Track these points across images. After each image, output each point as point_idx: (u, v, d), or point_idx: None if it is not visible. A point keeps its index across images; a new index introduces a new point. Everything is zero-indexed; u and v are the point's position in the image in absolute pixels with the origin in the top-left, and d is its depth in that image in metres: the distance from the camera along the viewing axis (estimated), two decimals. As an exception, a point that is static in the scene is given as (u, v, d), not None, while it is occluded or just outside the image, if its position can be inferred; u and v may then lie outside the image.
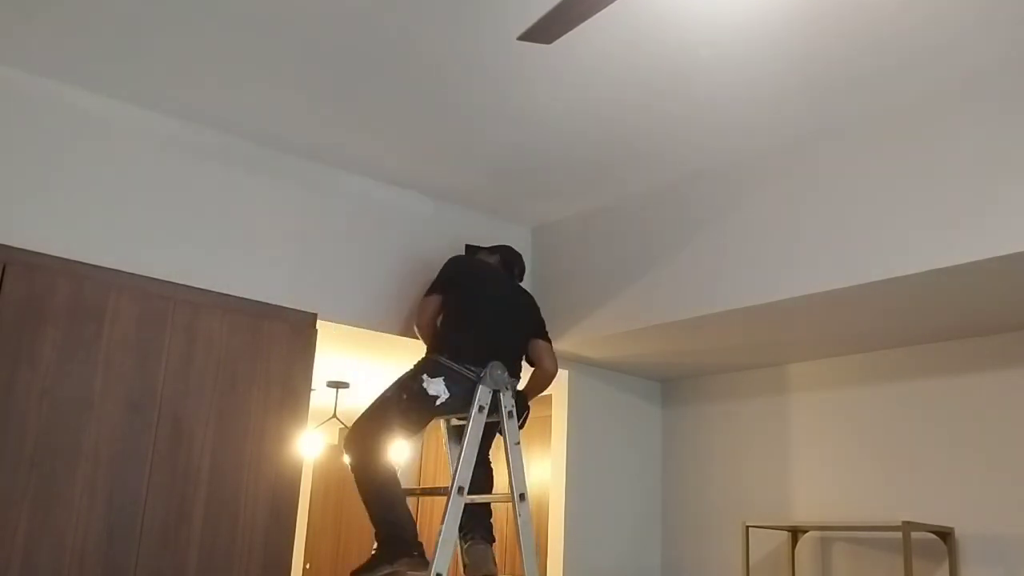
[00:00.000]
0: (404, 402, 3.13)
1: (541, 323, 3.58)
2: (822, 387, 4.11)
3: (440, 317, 3.44)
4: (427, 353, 3.28)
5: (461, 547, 3.23)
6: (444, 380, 3.10)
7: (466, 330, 3.29)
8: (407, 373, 3.22)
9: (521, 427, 3.25)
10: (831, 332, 3.69)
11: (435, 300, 3.46)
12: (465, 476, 3.03)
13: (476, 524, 3.25)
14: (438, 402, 3.09)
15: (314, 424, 5.31)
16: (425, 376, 3.11)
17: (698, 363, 4.36)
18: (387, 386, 3.22)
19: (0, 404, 2.74)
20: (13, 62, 3.02)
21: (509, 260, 3.71)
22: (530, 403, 3.38)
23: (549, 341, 3.55)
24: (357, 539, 5.93)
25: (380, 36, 2.77)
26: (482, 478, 3.30)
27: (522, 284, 3.74)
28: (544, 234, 4.33)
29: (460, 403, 3.12)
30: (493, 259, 3.69)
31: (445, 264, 3.58)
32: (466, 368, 3.12)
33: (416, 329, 3.52)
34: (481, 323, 3.31)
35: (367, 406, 3.22)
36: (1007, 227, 2.71)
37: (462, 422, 3.15)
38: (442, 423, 3.43)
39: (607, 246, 3.97)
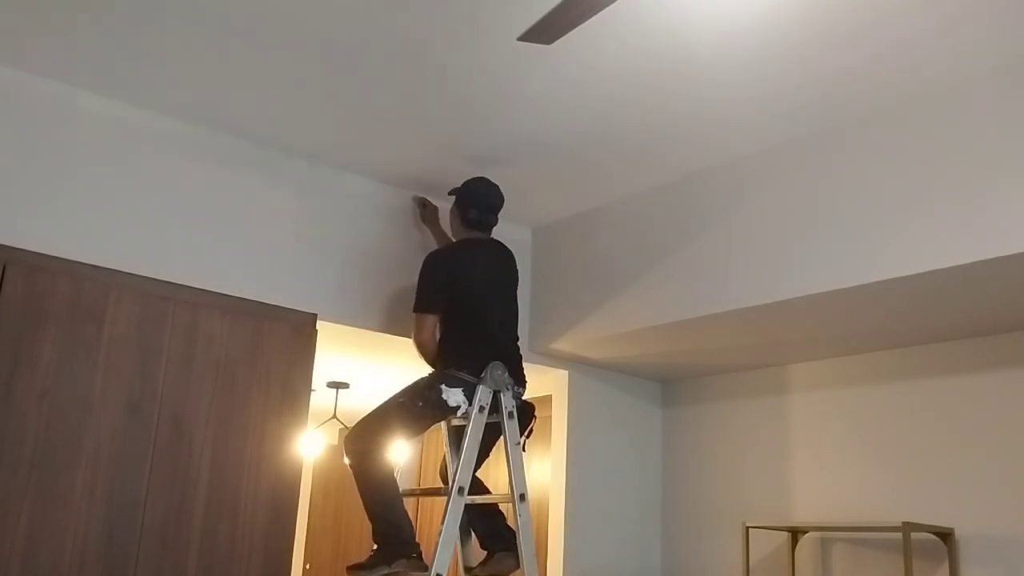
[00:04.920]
0: (419, 408, 3.15)
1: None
2: (822, 387, 4.11)
3: (440, 327, 3.35)
4: (439, 367, 3.26)
5: (488, 557, 3.26)
6: (463, 391, 3.13)
7: (474, 344, 3.25)
8: (421, 382, 3.22)
9: (527, 437, 3.25)
10: (831, 332, 3.69)
11: (433, 319, 3.32)
12: (465, 476, 3.03)
13: (500, 531, 3.28)
14: (459, 412, 3.14)
15: (314, 424, 5.30)
16: (443, 387, 3.13)
17: (699, 363, 4.36)
18: (395, 393, 3.23)
19: (0, 404, 2.74)
20: (14, 63, 3.03)
21: (495, 212, 3.52)
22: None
23: None
24: (357, 539, 5.92)
25: (380, 37, 2.78)
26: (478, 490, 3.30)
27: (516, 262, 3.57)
28: (544, 234, 4.33)
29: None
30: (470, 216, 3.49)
31: (424, 266, 3.40)
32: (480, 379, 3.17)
33: (417, 347, 3.35)
34: (486, 333, 3.30)
35: (371, 409, 3.23)
36: (1007, 227, 2.71)
37: (463, 423, 3.15)
38: (443, 424, 3.43)
39: (607, 246, 3.97)
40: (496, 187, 3.52)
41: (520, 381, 3.30)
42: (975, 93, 2.88)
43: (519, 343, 3.43)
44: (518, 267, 3.54)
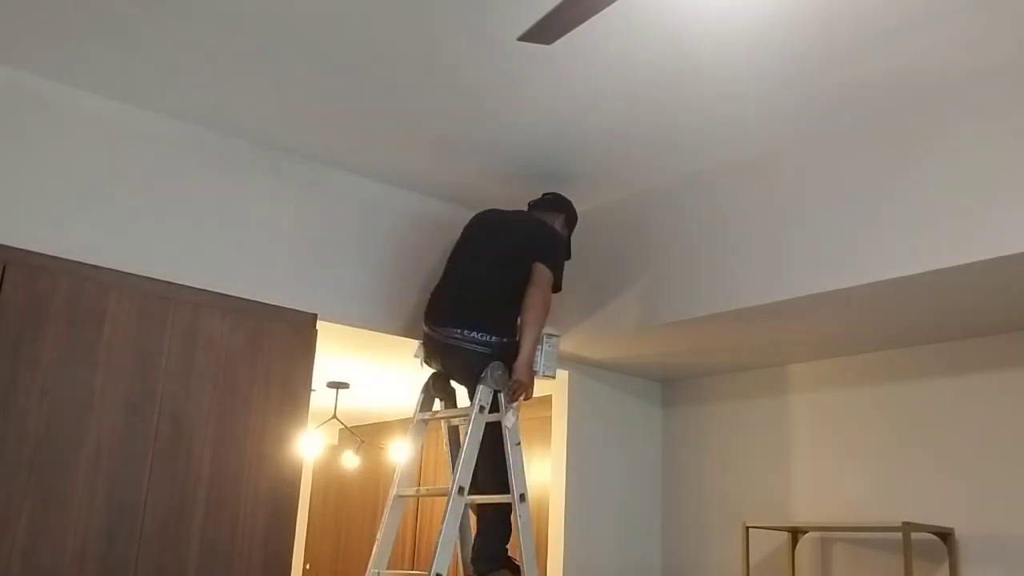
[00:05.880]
0: None
1: (543, 246, 3.37)
2: (822, 387, 4.11)
3: None
4: None
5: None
6: (421, 343, 3.43)
7: (434, 291, 3.47)
8: None
9: (511, 400, 3.15)
10: (831, 333, 3.69)
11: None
12: (465, 476, 3.03)
13: (479, 554, 3.26)
14: (420, 364, 3.45)
15: (314, 424, 5.30)
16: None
17: (698, 363, 4.36)
18: None
19: (0, 404, 2.74)
20: (13, 62, 3.03)
21: (547, 195, 3.65)
22: (522, 379, 3.16)
23: (550, 265, 3.30)
24: (357, 539, 5.93)
25: (380, 36, 2.78)
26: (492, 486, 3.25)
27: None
28: (544, 234, 4.32)
29: (433, 363, 3.42)
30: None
31: None
32: (430, 328, 3.37)
33: None
34: (448, 280, 3.45)
35: None
36: (1007, 227, 2.71)
37: (463, 423, 3.15)
38: (443, 424, 3.44)
39: (607, 246, 3.97)
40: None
41: (461, 322, 3.24)
42: (975, 93, 2.87)
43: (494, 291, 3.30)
44: (543, 234, 3.47)
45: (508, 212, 3.59)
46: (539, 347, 3.26)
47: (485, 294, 3.28)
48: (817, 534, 3.97)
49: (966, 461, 3.55)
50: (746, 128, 3.29)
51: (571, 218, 3.65)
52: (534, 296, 3.21)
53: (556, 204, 3.60)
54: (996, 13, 2.55)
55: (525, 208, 3.65)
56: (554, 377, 3.41)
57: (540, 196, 3.66)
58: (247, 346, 3.26)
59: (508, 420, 3.10)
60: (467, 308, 3.27)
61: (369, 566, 3.21)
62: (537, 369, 3.27)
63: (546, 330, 3.29)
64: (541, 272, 3.26)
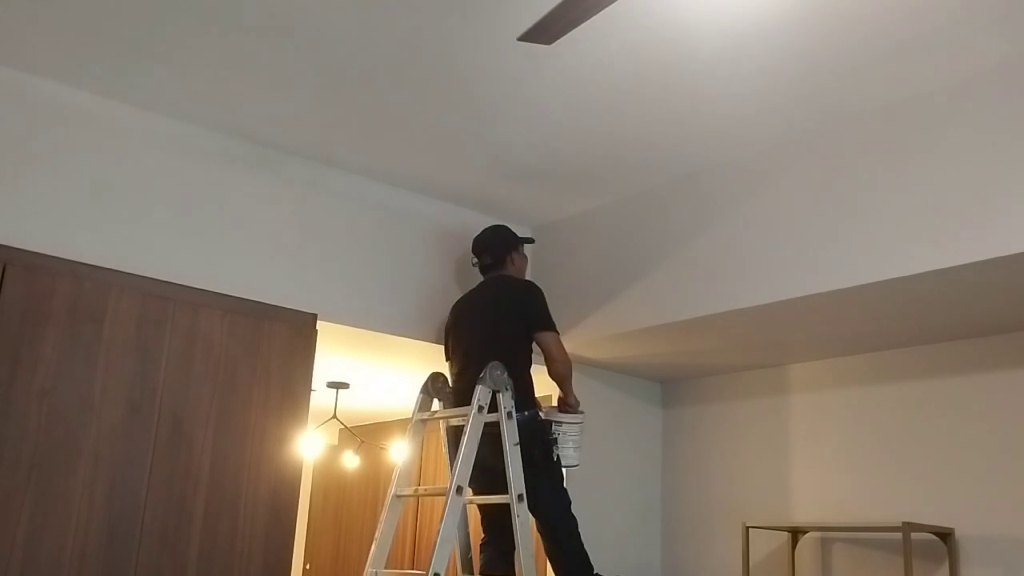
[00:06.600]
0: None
1: (535, 314, 3.45)
2: (822, 387, 4.11)
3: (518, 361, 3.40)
4: (529, 403, 3.36)
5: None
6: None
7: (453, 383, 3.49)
8: (533, 427, 3.28)
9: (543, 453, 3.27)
10: (831, 333, 3.69)
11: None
12: (464, 475, 3.03)
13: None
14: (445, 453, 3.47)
15: (314, 425, 5.30)
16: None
17: (698, 364, 4.36)
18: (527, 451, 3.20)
19: (0, 404, 2.74)
20: (14, 62, 3.03)
21: (480, 254, 3.69)
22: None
23: (550, 330, 3.43)
24: (357, 539, 5.92)
25: (380, 36, 2.78)
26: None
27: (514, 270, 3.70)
28: (544, 234, 4.33)
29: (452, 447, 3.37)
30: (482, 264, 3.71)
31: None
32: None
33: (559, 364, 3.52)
34: (453, 371, 3.51)
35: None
36: (1007, 227, 2.71)
37: (461, 423, 3.15)
38: (441, 425, 3.43)
39: (607, 246, 3.97)
40: (480, 233, 3.72)
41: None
42: (976, 93, 2.87)
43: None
44: (516, 289, 3.55)
45: (482, 295, 3.58)
46: (559, 432, 3.38)
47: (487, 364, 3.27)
48: (817, 534, 3.97)
49: (966, 461, 3.55)
50: (746, 128, 3.29)
51: (516, 241, 3.75)
52: (556, 366, 3.45)
53: (500, 249, 3.67)
54: (995, 15, 2.55)
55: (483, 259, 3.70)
56: (577, 465, 3.48)
57: (487, 260, 3.66)
58: (247, 346, 3.26)
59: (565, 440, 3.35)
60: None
61: (367, 566, 3.20)
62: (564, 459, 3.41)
63: (568, 417, 3.41)
64: (546, 340, 3.43)
